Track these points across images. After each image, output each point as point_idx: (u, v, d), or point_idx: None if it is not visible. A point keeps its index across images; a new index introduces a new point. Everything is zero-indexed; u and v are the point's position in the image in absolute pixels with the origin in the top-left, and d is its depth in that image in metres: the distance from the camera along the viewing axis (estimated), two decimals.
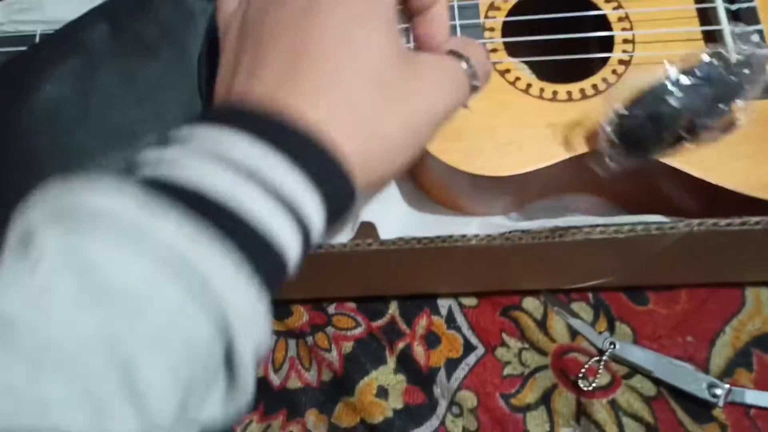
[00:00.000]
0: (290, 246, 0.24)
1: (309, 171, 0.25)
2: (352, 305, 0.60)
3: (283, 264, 0.24)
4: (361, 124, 0.27)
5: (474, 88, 0.33)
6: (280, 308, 0.61)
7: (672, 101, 0.39)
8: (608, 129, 0.41)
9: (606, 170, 0.44)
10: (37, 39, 0.49)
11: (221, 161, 0.24)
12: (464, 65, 0.32)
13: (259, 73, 0.28)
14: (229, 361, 0.22)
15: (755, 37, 0.48)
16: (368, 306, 0.60)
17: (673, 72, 0.40)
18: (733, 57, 0.41)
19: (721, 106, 0.40)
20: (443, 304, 0.59)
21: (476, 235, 0.45)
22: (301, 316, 0.61)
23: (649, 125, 0.40)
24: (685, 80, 0.39)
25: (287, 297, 0.62)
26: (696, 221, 0.42)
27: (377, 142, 0.28)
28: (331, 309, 0.61)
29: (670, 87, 0.39)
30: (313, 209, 0.25)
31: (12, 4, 0.54)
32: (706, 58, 0.40)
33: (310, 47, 0.28)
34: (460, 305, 0.59)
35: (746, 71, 0.40)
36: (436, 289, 0.60)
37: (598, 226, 0.44)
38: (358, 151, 0.27)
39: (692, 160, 0.44)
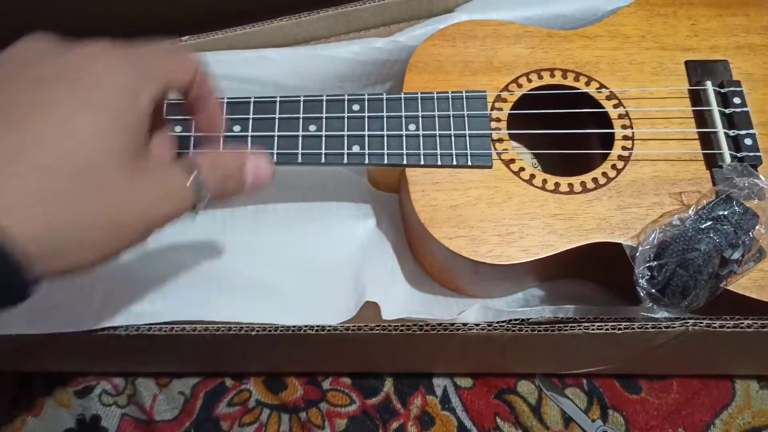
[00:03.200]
0: None
1: None
2: (347, 380, 0.60)
3: None
4: (49, 213, 0.26)
5: (203, 198, 0.33)
6: (274, 380, 0.61)
7: (698, 246, 0.41)
8: (645, 284, 0.43)
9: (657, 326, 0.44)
10: None
11: None
12: (191, 178, 0.32)
13: None
14: None
15: (748, 141, 0.51)
16: (363, 382, 0.60)
17: (690, 219, 0.42)
18: (740, 193, 0.43)
19: (743, 238, 0.41)
20: (439, 383, 0.59)
21: (477, 324, 0.46)
22: (295, 390, 0.60)
23: (682, 273, 0.42)
24: (703, 223, 0.41)
25: (283, 369, 0.62)
26: (691, 321, 0.43)
27: (69, 233, 0.27)
28: (326, 384, 0.60)
29: (691, 233, 0.41)
30: None
31: None
32: (715, 197, 0.42)
33: (12, 119, 0.27)
34: (456, 386, 0.59)
35: (755, 201, 0.42)
36: (432, 368, 0.60)
37: (596, 321, 0.45)
38: (39, 239, 0.26)
39: None
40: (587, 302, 0.55)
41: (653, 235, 0.43)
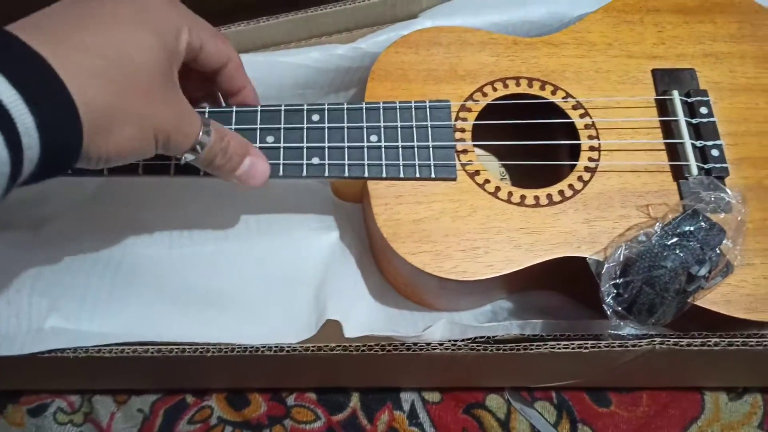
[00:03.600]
0: None
1: (24, 87, 0.28)
2: (312, 396, 0.59)
3: None
4: (107, 95, 0.32)
5: (198, 150, 0.39)
6: (236, 396, 0.59)
7: (664, 263, 0.40)
8: (611, 302, 0.42)
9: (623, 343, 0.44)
10: None
11: None
12: (202, 126, 0.38)
13: (33, 17, 0.33)
14: None
15: (715, 152, 0.50)
16: (329, 398, 0.59)
17: (656, 234, 0.41)
18: (707, 206, 0.42)
19: (710, 254, 0.40)
20: (406, 398, 0.58)
21: (441, 344, 0.44)
22: (259, 406, 0.59)
23: (648, 291, 0.41)
24: (669, 240, 0.40)
25: (245, 385, 0.60)
26: (658, 339, 0.43)
27: (116, 116, 0.32)
28: (291, 400, 0.59)
29: (657, 250, 0.40)
30: (20, 114, 0.27)
31: None
32: (681, 212, 0.41)
33: (89, 24, 0.33)
34: (423, 400, 0.58)
35: (721, 215, 0.41)
36: (399, 383, 0.58)
37: (562, 339, 0.44)
38: (95, 113, 0.31)
39: None
40: (556, 314, 0.54)
41: (619, 251, 0.42)
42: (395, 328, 0.52)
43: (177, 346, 0.45)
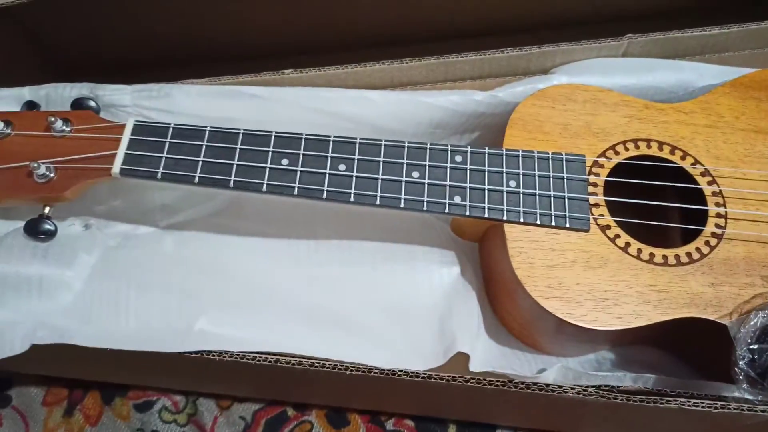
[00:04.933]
0: None
1: None
2: (410, 423, 0.61)
3: None
4: None
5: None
6: (336, 414, 0.62)
7: None
8: (744, 367, 0.43)
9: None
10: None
11: None
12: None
13: None
14: None
15: None
16: (427, 425, 0.60)
17: None
18: None
19: None
20: None
21: (573, 388, 0.46)
22: (358, 427, 0.61)
23: None
24: None
25: (346, 405, 0.62)
26: None
27: None
28: (390, 424, 0.61)
29: None
30: None
31: (142, 90, 0.57)
32: None
33: None
34: None
35: None
36: (496, 420, 0.60)
37: (691, 397, 0.45)
38: None
39: None
40: (658, 370, 0.56)
41: (756, 319, 0.44)
42: (512, 367, 0.54)
43: (317, 361, 0.48)
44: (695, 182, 0.54)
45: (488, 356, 0.54)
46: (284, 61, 0.61)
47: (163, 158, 0.50)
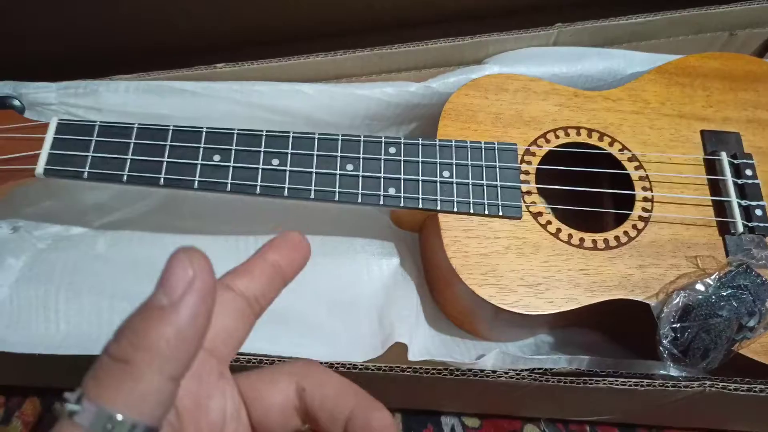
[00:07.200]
0: None
1: None
2: None
3: None
4: None
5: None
6: None
7: (720, 312, 0.44)
8: (668, 345, 0.45)
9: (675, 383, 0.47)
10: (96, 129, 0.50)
11: None
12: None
13: None
14: None
15: (759, 212, 0.54)
16: None
17: (713, 285, 0.44)
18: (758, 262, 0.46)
19: (760, 307, 0.44)
20: (447, 422, 0.60)
21: (506, 372, 0.47)
22: None
23: (703, 336, 0.44)
24: (725, 291, 0.44)
25: None
26: (708, 383, 0.46)
27: None
28: None
29: (714, 299, 0.44)
30: None
31: (67, 87, 0.55)
32: (735, 267, 0.45)
33: None
34: (463, 425, 0.60)
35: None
36: (441, 407, 0.61)
37: (620, 376, 0.47)
38: None
39: None
40: (593, 350, 0.57)
41: (678, 299, 0.45)
42: (452, 355, 0.54)
43: (254, 357, 0.47)
44: (623, 168, 0.56)
45: (428, 345, 0.54)
46: (217, 56, 0.60)
47: (89, 157, 0.49)
